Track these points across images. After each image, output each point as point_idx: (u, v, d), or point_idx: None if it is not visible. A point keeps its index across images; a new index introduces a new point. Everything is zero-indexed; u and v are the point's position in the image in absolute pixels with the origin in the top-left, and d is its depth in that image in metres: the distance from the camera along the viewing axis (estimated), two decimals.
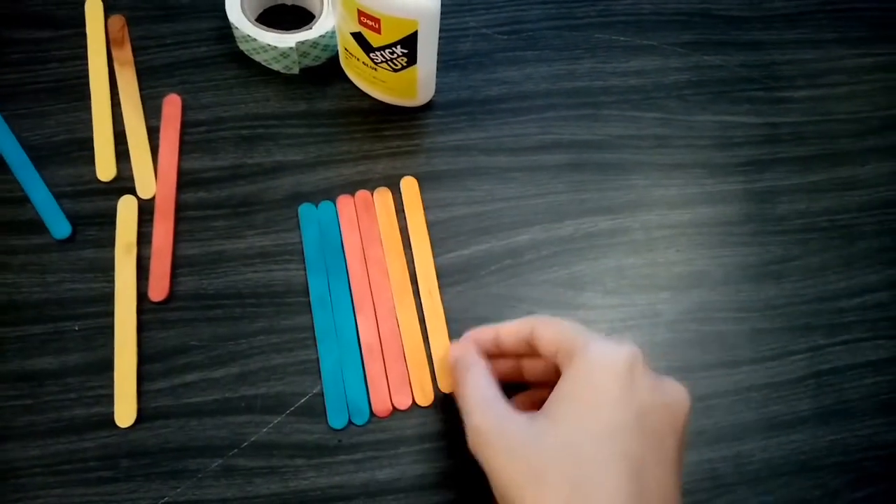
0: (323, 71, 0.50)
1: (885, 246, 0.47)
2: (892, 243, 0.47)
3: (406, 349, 0.43)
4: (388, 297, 0.44)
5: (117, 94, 0.49)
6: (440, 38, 0.44)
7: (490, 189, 0.47)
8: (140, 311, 0.43)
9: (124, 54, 0.50)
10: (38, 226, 0.44)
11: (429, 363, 0.42)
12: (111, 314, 0.42)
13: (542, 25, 0.53)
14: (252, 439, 0.40)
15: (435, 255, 0.45)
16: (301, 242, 0.45)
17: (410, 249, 0.45)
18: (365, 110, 0.49)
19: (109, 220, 0.45)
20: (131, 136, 0.47)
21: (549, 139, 0.49)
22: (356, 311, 0.43)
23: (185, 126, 0.48)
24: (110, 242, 0.44)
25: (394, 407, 0.41)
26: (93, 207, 0.45)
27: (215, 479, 0.39)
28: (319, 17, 0.48)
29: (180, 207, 0.46)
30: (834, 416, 0.43)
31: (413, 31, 0.41)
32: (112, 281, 0.43)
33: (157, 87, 0.49)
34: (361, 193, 0.46)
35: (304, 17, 0.51)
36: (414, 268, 0.45)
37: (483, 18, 0.53)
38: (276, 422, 0.41)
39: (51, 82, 0.49)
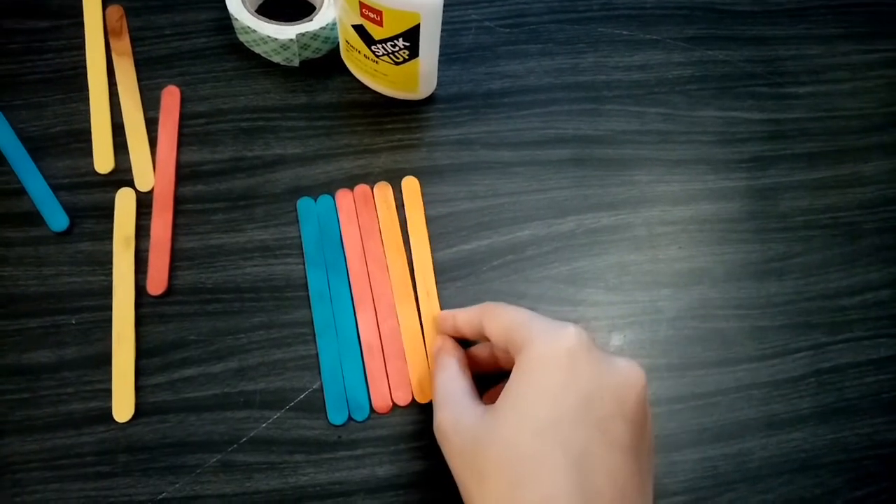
0: (323, 63, 0.50)
1: (888, 244, 0.47)
2: (894, 241, 0.47)
3: (406, 345, 0.42)
4: (388, 293, 0.43)
5: (115, 85, 0.48)
6: (442, 31, 0.43)
7: (492, 184, 0.47)
8: (138, 304, 0.42)
9: (122, 45, 0.49)
10: (35, 218, 0.44)
11: (428, 360, 0.42)
12: (109, 308, 0.42)
13: (545, 19, 0.52)
14: (251, 435, 0.40)
15: (436, 251, 0.45)
16: (300, 236, 0.45)
17: (410, 246, 0.45)
18: (366, 103, 0.49)
19: (107, 212, 0.44)
20: (129, 127, 0.47)
21: (551, 134, 0.49)
22: (356, 306, 0.43)
23: (184, 118, 0.48)
24: (108, 235, 0.44)
25: (394, 403, 0.41)
26: (90, 200, 0.45)
27: (214, 474, 0.39)
28: (320, 9, 0.48)
29: (179, 200, 0.45)
30: (835, 414, 0.42)
31: (415, 23, 0.41)
32: (110, 274, 0.43)
33: (155, 79, 0.49)
34: (360, 188, 0.46)
35: (303, 9, 0.50)
36: (413, 265, 0.44)
37: (485, 11, 0.52)
38: (275, 417, 0.40)
39: (48, 73, 0.48)
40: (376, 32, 0.42)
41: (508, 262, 0.45)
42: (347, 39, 0.46)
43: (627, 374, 0.32)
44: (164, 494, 0.38)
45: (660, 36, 0.53)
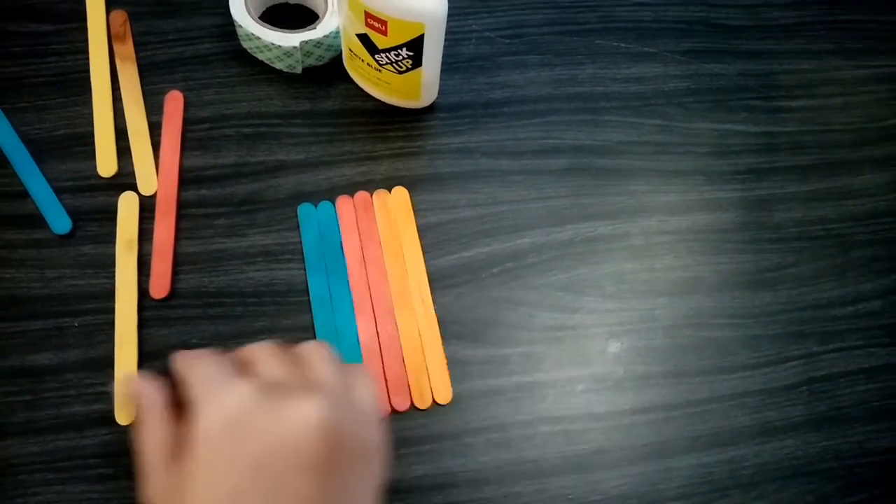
0: (325, 71, 0.50)
1: (879, 255, 0.48)
2: (885, 253, 0.48)
3: (405, 352, 0.43)
4: (388, 299, 0.44)
5: (118, 89, 0.49)
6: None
7: (492, 192, 0.48)
8: (141, 308, 0.43)
9: (126, 49, 0.50)
10: (37, 220, 0.44)
11: (426, 367, 0.43)
12: (111, 311, 0.42)
13: (545, 30, 0.53)
14: None
15: (437, 258, 0.45)
16: (301, 242, 0.45)
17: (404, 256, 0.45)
18: (368, 111, 0.49)
19: (110, 216, 0.45)
20: (133, 132, 0.47)
21: (550, 143, 0.49)
22: (356, 312, 0.43)
23: (187, 123, 0.48)
24: (111, 238, 0.44)
25: (392, 409, 0.42)
26: (93, 203, 0.45)
27: None
28: (324, 17, 0.48)
29: (182, 205, 0.46)
30: (827, 422, 0.43)
31: (420, 33, 0.41)
32: (112, 277, 0.43)
33: (158, 84, 0.49)
34: (360, 194, 0.47)
35: (306, 16, 0.51)
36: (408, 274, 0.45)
37: (486, 22, 0.53)
38: None
39: (51, 76, 0.49)
40: (380, 42, 0.43)
41: (508, 270, 0.45)
42: (351, 48, 0.46)
43: (296, 419, 0.29)
44: None
45: (657, 49, 0.53)
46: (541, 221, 0.47)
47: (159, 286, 0.43)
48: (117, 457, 0.39)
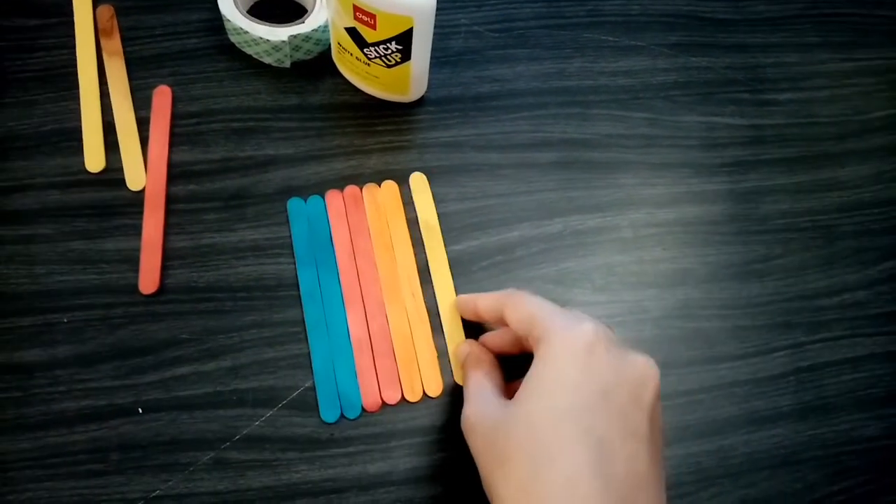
0: (314, 65, 0.50)
1: (864, 246, 0.49)
2: (870, 244, 0.49)
3: (395, 344, 0.43)
4: (378, 292, 0.44)
5: (106, 84, 0.48)
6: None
7: (481, 185, 0.48)
8: (130, 303, 0.42)
9: (113, 44, 0.49)
10: (27, 216, 0.44)
11: (416, 359, 0.43)
12: (101, 306, 0.42)
13: (533, 24, 0.53)
14: (244, 433, 0.40)
15: (422, 252, 0.45)
16: (291, 236, 0.45)
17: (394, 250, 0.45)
18: (356, 105, 0.49)
19: (98, 211, 0.45)
20: (120, 127, 0.47)
21: (539, 137, 0.50)
22: (346, 306, 0.44)
23: (175, 118, 0.48)
24: (99, 234, 0.44)
25: (383, 402, 0.42)
26: (81, 199, 0.45)
27: (207, 472, 0.39)
28: (312, 11, 0.48)
29: (171, 200, 0.45)
30: (813, 411, 0.44)
31: (408, 27, 0.41)
32: (102, 273, 0.43)
33: (146, 78, 0.49)
34: (350, 188, 0.47)
35: (294, 10, 0.51)
36: (398, 268, 0.45)
37: (475, 16, 0.53)
38: (267, 415, 0.41)
39: (38, 71, 0.48)
40: (369, 35, 0.43)
41: (498, 263, 0.46)
42: (339, 42, 0.46)
43: (643, 369, 0.34)
44: (157, 492, 0.39)
45: (644, 42, 0.54)
46: (530, 215, 0.47)
47: (149, 281, 0.43)
48: (107, 453, 0.39)
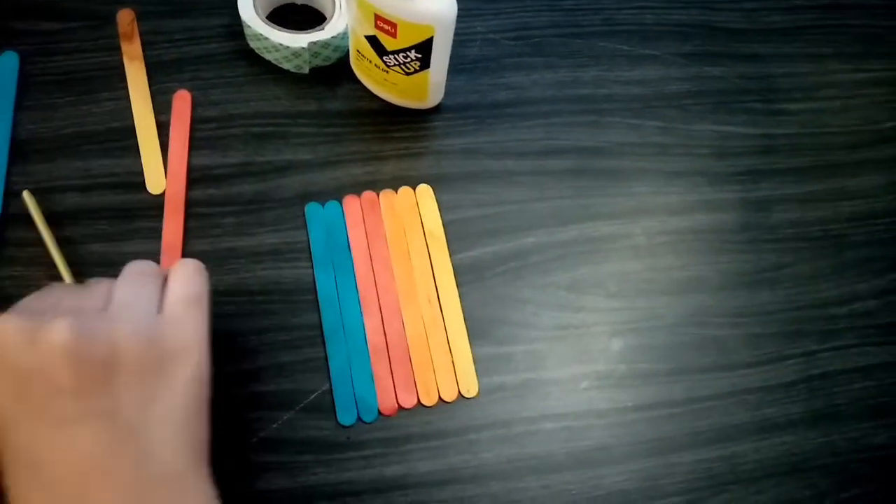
0: (332, 71, 0.51)
1: (874, 256, 0.49)
2: (881, 253, 0.49)
3: (411, 349, 0.44)
4: (394, 297, 0.45)
5: (126, 88, 0.49)
6: None
7: (496, 192, 0.48)
8: None
9: (134, 49, 0.50)
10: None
11: (432, 363, 0.43)
12: None
13: (549, 32, 0.54)
14: (261, 435, 0.41)
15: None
16: (309, 241, 0.46)
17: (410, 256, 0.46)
18: (374, 111, 0.50)
19: (119, 214, 0.45)
20: (141, 131, 0.48)
21: (554, 144, 0.50)
22: (363, 310, 0.44)
23: (195, 122, 0.48)
24: (120, 237, 0.44)
25: (399, 405, 0.42)
26: (101, 202, 0.45)
27: (225, 473, 0.40)
28: (332, 19, 0.49)
29: (190, 204, 0.46)
30: (824, 419, 0.44)
31: (429, 36, 0.42)
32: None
33: (166, 83, 0.49)
34: (367, 194, 0.47)
35: (313, 16, 0.51)
36: (415, 273, 0.46)
37: (491, 24, 0.54)
38: (285, 418, 0.41)
39: (60, 74, 0.49)
40: (389, 44, 0.44)
41: (512, 269, 0.46)
42: (358, 49, 0.47)
43: (44, 345, 0.30)
44: None
45: (658, 52, 0.54)
46: (544, 221, 0.48)
47: None
48: None
